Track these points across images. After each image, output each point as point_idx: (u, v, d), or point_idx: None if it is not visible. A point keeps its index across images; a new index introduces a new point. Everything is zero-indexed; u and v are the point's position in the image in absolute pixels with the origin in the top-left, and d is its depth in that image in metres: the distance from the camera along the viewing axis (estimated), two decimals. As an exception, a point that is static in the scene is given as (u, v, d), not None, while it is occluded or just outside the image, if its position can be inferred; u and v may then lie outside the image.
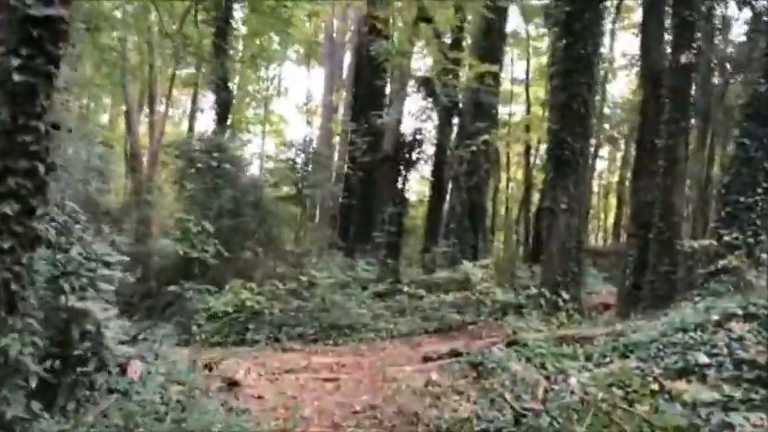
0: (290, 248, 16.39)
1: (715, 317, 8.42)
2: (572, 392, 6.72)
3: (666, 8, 15.69)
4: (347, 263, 18.83)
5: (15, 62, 4.81)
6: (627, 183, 39.19)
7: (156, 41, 31.05)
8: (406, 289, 16.02)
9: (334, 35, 36.19)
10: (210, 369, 10.33)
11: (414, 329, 14.08)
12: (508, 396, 6.84)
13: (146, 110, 30.04)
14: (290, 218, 17.41)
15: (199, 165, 15.23)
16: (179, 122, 40.50)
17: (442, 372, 10.04)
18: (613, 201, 40.58)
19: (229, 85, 22.31)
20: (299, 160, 16.96)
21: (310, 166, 17.18)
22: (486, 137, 18.36)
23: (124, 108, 30.30)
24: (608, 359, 8.61)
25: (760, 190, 11.64)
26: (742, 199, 11.68)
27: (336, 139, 33.51)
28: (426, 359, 11.16)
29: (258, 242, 17.21)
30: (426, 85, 19.57)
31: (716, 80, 18.15)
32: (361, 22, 27.33)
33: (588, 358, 8.92)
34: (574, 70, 13.42)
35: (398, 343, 13.41)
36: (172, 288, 14.38)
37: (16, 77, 4.80)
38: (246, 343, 13.49)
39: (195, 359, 9.07)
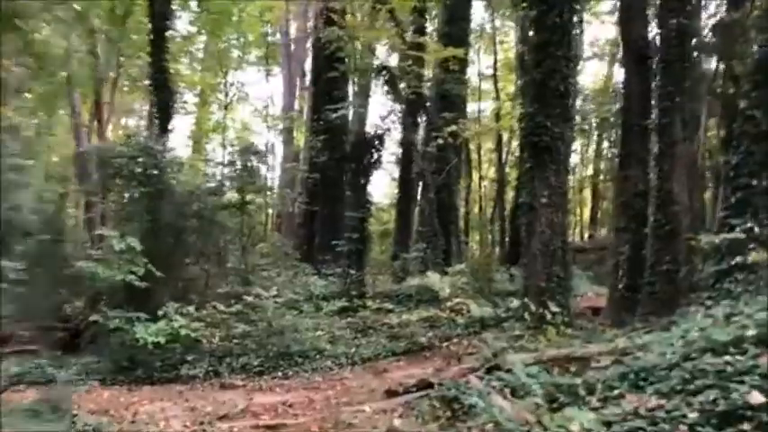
0: (232, 265, 14.28)
1: (751, 331, 6.52)
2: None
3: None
4: (306, 277, 16.78)
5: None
6: (601, 176, 38.18)
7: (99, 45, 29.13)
8: (370, 303, 14.02)
9: (292, 34, 34.36)
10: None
11: (378, 352, 12.11)
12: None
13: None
14: (238, 230, 15.27)
15: (123, 172, 13.10)
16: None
17: (409, 412, 8.09)
18: (588, 195, 39.00)
19: (171, 86, 20.23)
20: (238, 164, 14.84)
21: (256, 169, 15.08)
22: (453, 128, 16.43)
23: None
24: (617, 392, 6.67)
25: (775, 171, 9.84)
26: (755, 182, 9.85)
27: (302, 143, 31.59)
28: (391, 393, 9.19)
29: (201, 259, 15.10)
30: (385, 74, 17.58)
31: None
32: (319, 16, 25.49)
33: (590, 390, 6.96)
34: (549, 42, 11.57)
35: (360, 370, 11.42)
36: (93, 318, 12.26)
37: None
38: (181, 379, 11.45)
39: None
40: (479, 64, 33.73)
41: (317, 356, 11.67)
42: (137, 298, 13.51)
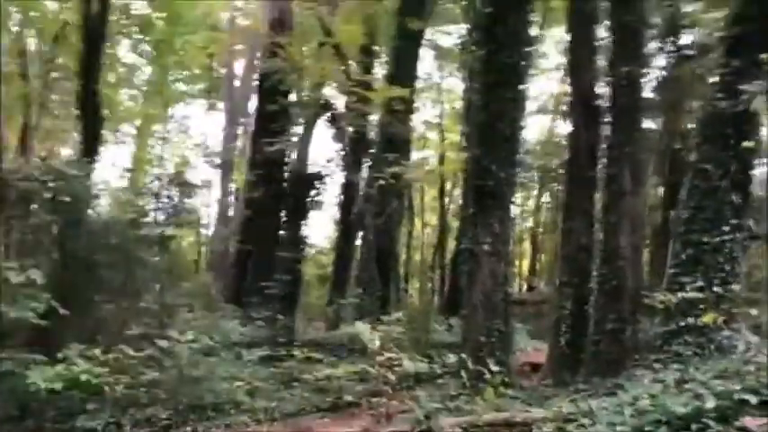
0: (147, 305, 13.03)
1: (710, 403, 5.84)
2: None
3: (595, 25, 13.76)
4: (230, 321, 15.59)
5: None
6: (541, 228, 38.27)
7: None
8: (297, 352, 12.96)
9: (237, 68, 33.57)
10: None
11: (303, 407, 11.02)
12: None
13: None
14: (158, 266, 14.06)
15: (29, 196, 11.85)
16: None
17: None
18: (527, 247, 38.99)
19: (99, 111, 19.09)
20: (163, 195, 13.75)
21: (180, 202, 13.98)
22: (395, 169, 15.76)
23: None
24: (563, 469, 5.88)
25: (727, 228, 9.40)
26: (706, 239, 9.40)
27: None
28: (309, 458, 8.18)
29: (115, 296, 13.79)
30: (328, 111, 16.88)
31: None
32: (264, 50, 24.83)
33: (534, 466, 6.17)
34: (497, 83, 11.07)
35: (281, 428, 10.29)
36: (-22, 360, 10.82)
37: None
38: (75, 432, 10.13)
39: None
40: (425, 112, 33.69)
41: (233, 411, 10.53)
42: (35, 338, 12.18)
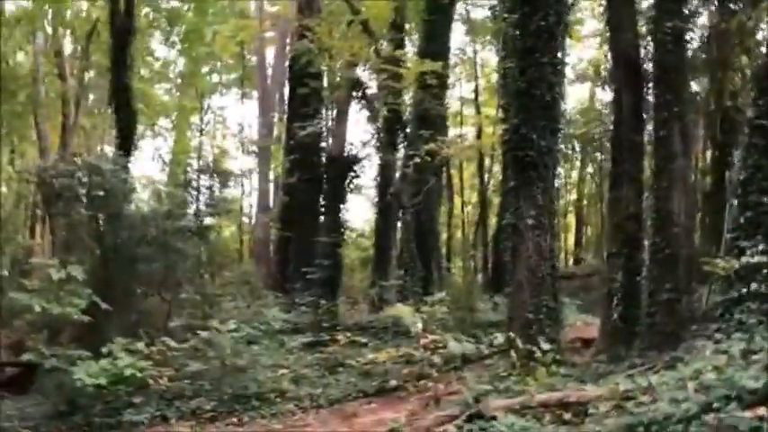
0: (188, 296, 12.96)
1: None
2: None
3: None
4: (273, 308, 15.47)
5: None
6: (585, 200, 37.35)
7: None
8: (341, 337, 12.74)
9: (268, 55, 33.35)
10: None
11: (348, 392, 10.81)
12: None
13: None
14: (197, 257, 13.99)
15: (66, 193, 11.83)
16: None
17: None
18: (572, 220, 38.11)
19: (132, 105, 19.08)
20: (201, 184, 13.62)
21: (218, 191, 13.85)
22: (431, 146, 15.33)
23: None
24: (625, 452, 5.47)
25: (790, 187, 8.78)
26: (766, 200, 8.79)
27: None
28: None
29: (155, 289, 13.80)
30: (360, 91, 16.51)
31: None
32: (294, 35, 24.54)
33: (593, 450, 5.77)
34: (534, 48, 10.55)
35: (327, 414, 10.09)
36: (26, 357, 10.91)
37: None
38: (122, 427, 10.09)
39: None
40: (461, 89, 33.00)
41: (278, 399, 10.36)
42: (80, 334, 12.24)
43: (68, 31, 29.40)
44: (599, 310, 15.23)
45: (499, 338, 9.62)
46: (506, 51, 15.62)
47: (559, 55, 11.06)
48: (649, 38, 11.63)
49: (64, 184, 11.79)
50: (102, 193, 11.86)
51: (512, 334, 9.40)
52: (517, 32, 11.01)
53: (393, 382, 10.49)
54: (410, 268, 17.12)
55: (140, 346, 11.64)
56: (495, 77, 28.84)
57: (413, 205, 16.86)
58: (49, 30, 28.18)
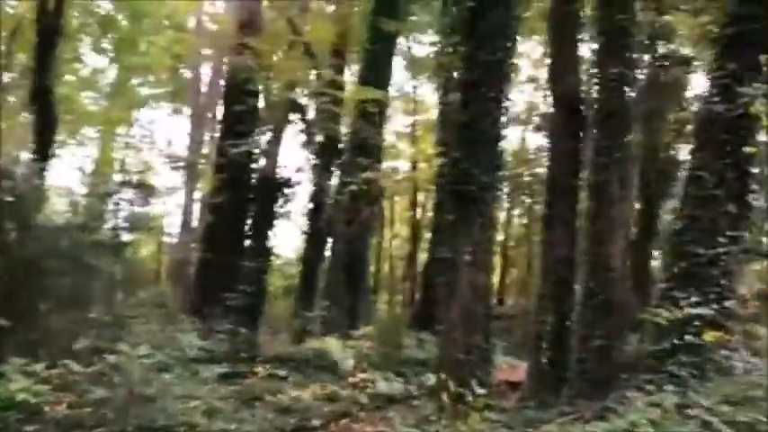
0: (97, 315, 12.01)
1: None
2: None
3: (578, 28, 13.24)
4: (189, 334, 14.59)
5: None
6: (511, 242, 37.77)
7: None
8: (260, 369, 12.03)
9: (204, 71, 32.55)
10: None
11: (265, 429, 10.08)
12: None
13: None
14: (111, 275, 13.03)
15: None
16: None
17: None
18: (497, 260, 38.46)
19: (53, 108, 17.98)
20: (122, 198, 12.76)
21: (138, 206, 13.01)
22: (368, 174, 14.98)
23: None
24: None
25: (723, 239, 8.80)
26: (701, 251, 8.79)
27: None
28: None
29: (64, 306, 12.73)
30: (298, 113, 16.05)
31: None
32: (233, 52, 23.93)
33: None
34: (479, 82, 10.39)
35: (239, 452, 9.39)
36: None
37: None
38: (9, 459, 9.08)
39: None
40: (396, 122, 33.03)
41: (187, 434, 9.57)
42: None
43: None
44: (524, 353, 15.09)
45: (431, 379, 9.20)
46: (448, 86, 15.54)
47: (504, 89, 10.92)
48: (593, 81, 11.67)
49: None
50: (11, 198, 10.88)
51: (443, 375, 9.01)
52: (463, 65, 10.83)
53: (315, 422, 9.85)
54: (337, 299, 16.58)
55: (39, 368, 10.64)
56: (431, 115, 29.03)
57: (345, 234, 16.39)
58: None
